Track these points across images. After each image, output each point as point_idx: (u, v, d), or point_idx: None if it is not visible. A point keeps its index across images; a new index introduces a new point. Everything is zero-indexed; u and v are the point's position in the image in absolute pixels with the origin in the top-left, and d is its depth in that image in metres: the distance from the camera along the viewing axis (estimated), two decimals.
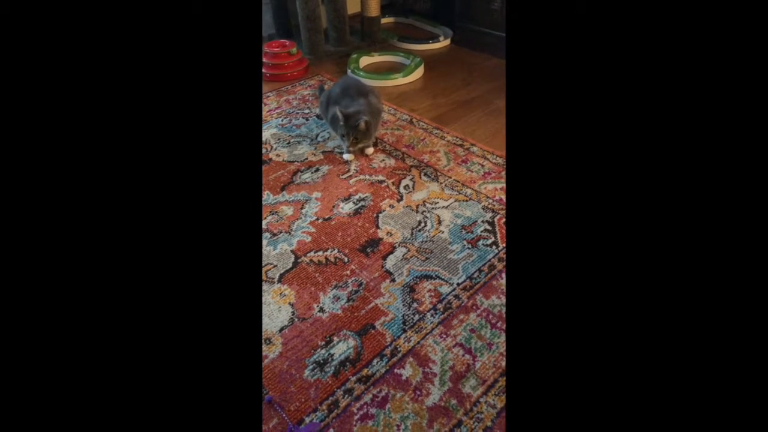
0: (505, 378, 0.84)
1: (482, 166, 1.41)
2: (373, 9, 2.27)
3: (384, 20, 2.53)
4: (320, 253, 1.13)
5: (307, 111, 1.76)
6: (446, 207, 1.26)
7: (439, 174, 1.39)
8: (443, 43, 2.31)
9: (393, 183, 1.36)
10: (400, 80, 1.96)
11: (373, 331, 0.93)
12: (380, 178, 1.38)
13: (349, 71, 2.00)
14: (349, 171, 1.42)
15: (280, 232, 1.19)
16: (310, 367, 0.87)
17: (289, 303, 1.00)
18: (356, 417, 0.79)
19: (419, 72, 2.02)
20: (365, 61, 2.11)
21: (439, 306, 0.98)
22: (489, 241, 1.14)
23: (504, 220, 1.20)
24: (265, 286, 1.04)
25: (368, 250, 1.13)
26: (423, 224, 1.20)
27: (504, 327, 0.93)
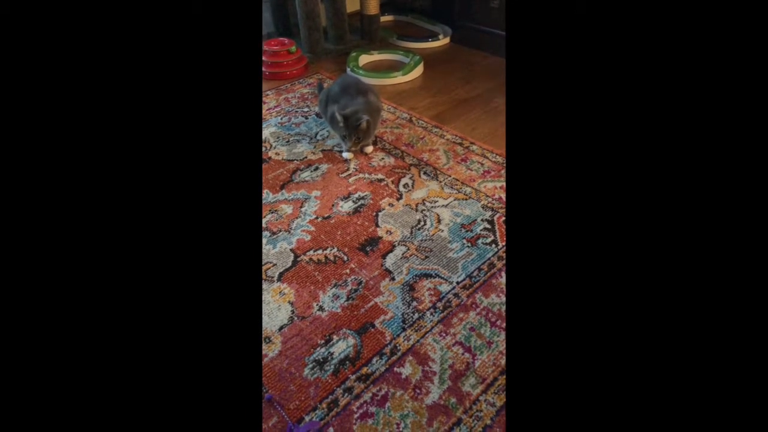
0: (504, 376, 0.84)
1: (482, 164, 1.41)
2: (373, 7, 2.27)
3: (383, 18, 2.53)
4: (320, 251, 1.12)
5: (306, 109, 1.76)
6: (446, 205, 1.26)
7: (438, 172, 1.39)
8: (443, 41, 2.30)
9: (392, 181, 1.36)
10: (399, 78, 1.96)
11: (372, 330, 0.93)
12: (380, 176, 1.38)
13: (348, 69, 2.00)
14: (348, 169, 1.42)
15: (280, 231, 1.19)
16: (310, 365, 0.87)
17: (289, 302, 1.00)
18: (356, 415, 0.79)
19: (419, 70, 2.02)
20: (364, 59, 2.10)
21: (439, 304, 0.98)
22: (488, 240, 1.14)
23: (503, 218, 1.20)
24: (264, 285, 1.04)
25: (368, 248, 1.13)
26: (422, 223, 1.20)
27: (503, 325, 0.93)
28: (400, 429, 0.77)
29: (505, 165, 1.41)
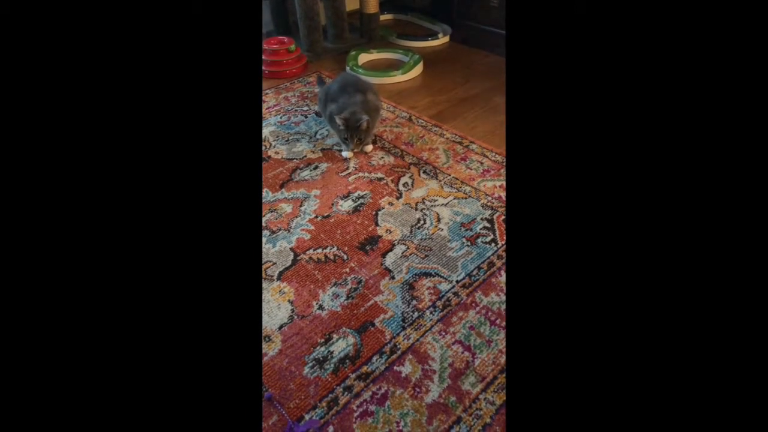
0: (504, 375, 0.85)
1: (481, 163, 1.41)
2: (372, 6, 2.27)
3: (383, 17, 2.53)
4: (319, 250, 1.12)
5: (305, 108, 1.76)
6: (445, 204, 1.26)
7: (438, 171, 1.39)
8: (442, 40, 2.30)
9: (392, 180, 1.36)
10: (399, 77, 1.95)
11: (372, 329, 0.93)
12: (379, 175, 1.38)
13: (347, 68, 2.00)
14: (348, 168, 1.42)
15: (279, 230, 1.19)
16: (310, 364, 0.87)
17: (289, 300, 1.00)
18: (356, 414, 0.79)
19: (418, 69, 2.01)
20: (364, 58, 2.10)
21: (439, 303, 0.98)
22: (488, 239, 1.14)
23: (503, 217, 1.20)
24: (264, 284, 1.04)
25: (367, 247, 1.13)
26: (422, 222, 1.20)
27: (503, 324, 0.93)
28: (400, 427, 0.77)
29: (504, 164, 1.41)
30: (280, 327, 0.94)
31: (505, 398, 0.81)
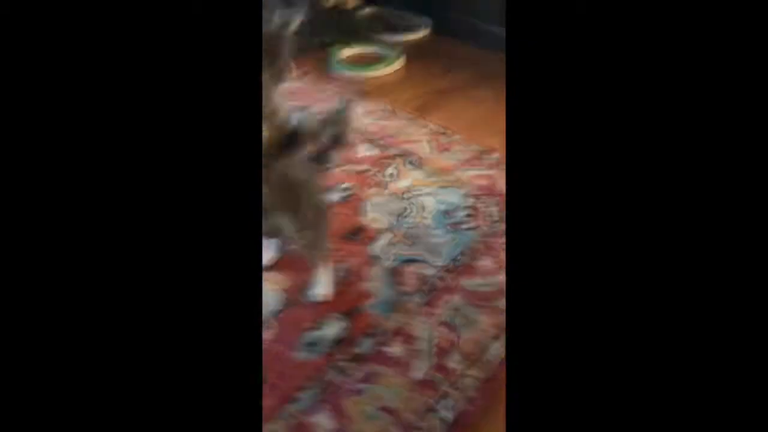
0: (485, 355, 0.89)
1: (464, 153, 1.46)
2: None
3: (363, 11, 2.53)
4: None
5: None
6: (429, 194, 1.30)
7: (422, 162, 1.42)
8: (424, 32, 2.32)
9: (377, 172, 1.39)
10: (381, 71, 1.97)
11: (361, 314, 0.97)
12: (364, 167, 1.41)
13: (329, 63, 2.00)
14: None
15: None
16: (302, 349, 0.91)
17: (280, 288, 1.03)
18: (347, 393, 0.83)
19: (400, 62, 2.03)
20: (345, 53, 2.11)
21: (424, 288, 1.03)
22: (470, 225, 1.19)
23: (484, 205, 1.25)
24: None
25: (354, 237, 1.17)
26: (407, 211, 1.24)
27: (485, 305, 0.98)
28: (390, 404, 0.81)
29: (485, 153, 1.45)
30: (273, 314, 0.97)
31: (487, 374, 0.86)
